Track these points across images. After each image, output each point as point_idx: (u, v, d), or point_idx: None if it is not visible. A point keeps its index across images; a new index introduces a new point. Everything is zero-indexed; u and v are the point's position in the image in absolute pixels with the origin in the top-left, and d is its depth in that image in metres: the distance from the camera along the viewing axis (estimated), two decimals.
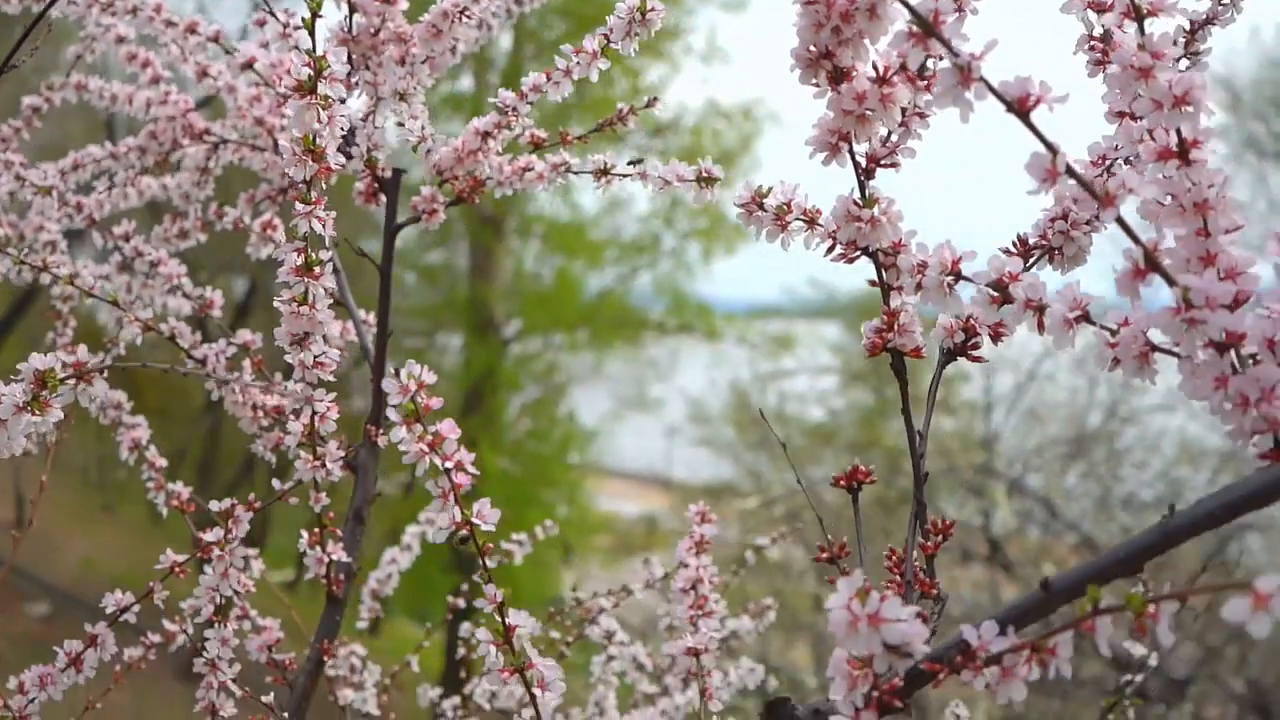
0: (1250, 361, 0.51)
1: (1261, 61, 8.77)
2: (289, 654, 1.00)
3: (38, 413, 0.66)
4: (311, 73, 0.67)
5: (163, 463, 1.09)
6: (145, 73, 1.18)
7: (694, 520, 0.99)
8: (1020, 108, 0.50)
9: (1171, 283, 0.50)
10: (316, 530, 0.95)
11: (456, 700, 1.40)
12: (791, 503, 7.71)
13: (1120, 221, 0.51)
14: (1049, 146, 0.50)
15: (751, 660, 1.30)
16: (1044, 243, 0.68)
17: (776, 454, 8.11)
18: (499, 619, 0.64)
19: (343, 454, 0.89)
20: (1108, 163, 0.69)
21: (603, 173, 0.94)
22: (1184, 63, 0.72)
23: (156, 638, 1.10)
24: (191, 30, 1.08)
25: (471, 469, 0.62)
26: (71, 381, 0.65)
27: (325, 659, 0.98)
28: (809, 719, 0.56)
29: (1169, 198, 0.53)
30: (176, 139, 1.17)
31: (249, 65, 1.04)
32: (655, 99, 0.99)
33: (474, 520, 0.62)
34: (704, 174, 0.83)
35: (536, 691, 0.63)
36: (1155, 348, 0.54)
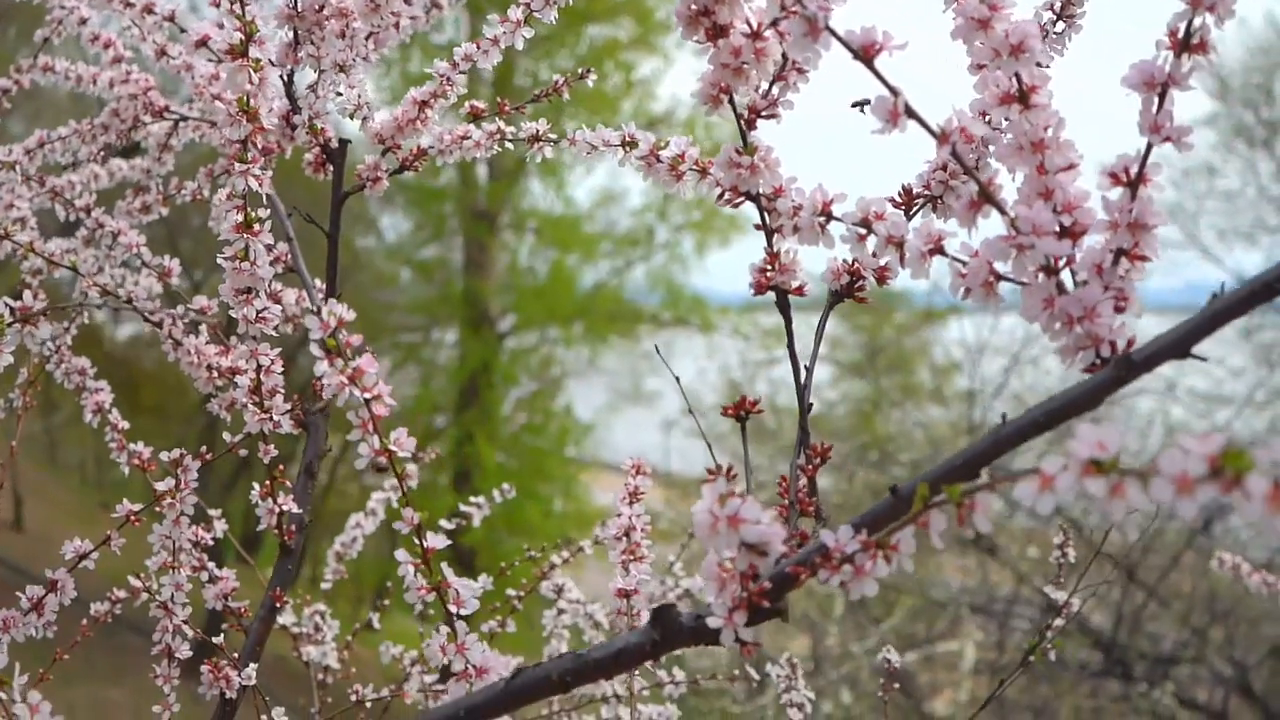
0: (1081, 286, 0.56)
1: (1250, 50, 8.80)
2: (244, 602, 1.05)
3: None
4: (243, 36, 0.72)
5: (125, 425, 1.13)
6: (108, 53, 1.23)
7: (630, 473, 1.04)
8: (866, 55, 0.55)
9: (1004, 213, 0.55)
10: (268, 483, 1.00)
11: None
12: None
13: (956, 157, 0.56)
14: (891, 90, 0.55)
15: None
16: (926, 192, 0.73)
17: (770, 445, 8.16)
18: (417, 541, 0.69)
19: (289, 408, 0.94)
20: (987, 116, 0.74)
21: (535, 139, 0.99)
22: (1060, 24, 0.76)
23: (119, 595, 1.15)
24: (148, 10, 1.12)
25: (390, 400, 0.67)
26: (17, 325, 0.70)
27: (278, 605, 1.03)
28: (691, 623, 0.61)
29: (1009, 138, 0.58)
30: (138, 116, 1.22)
31: (203, 43, 1.08)
32: (589, 70, 1.04)
33: (392, 447, 0.67)
34: (628, 139, 0.88)
35: (452, 608, 0.69)
36: (1000, 276, 0.59)
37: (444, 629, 0.69)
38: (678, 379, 0.95)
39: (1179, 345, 0.51)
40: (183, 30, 1.13)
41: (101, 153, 1.22)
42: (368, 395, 0.67)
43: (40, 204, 1.22)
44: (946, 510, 0.51)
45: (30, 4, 1.36)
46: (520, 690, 0.63)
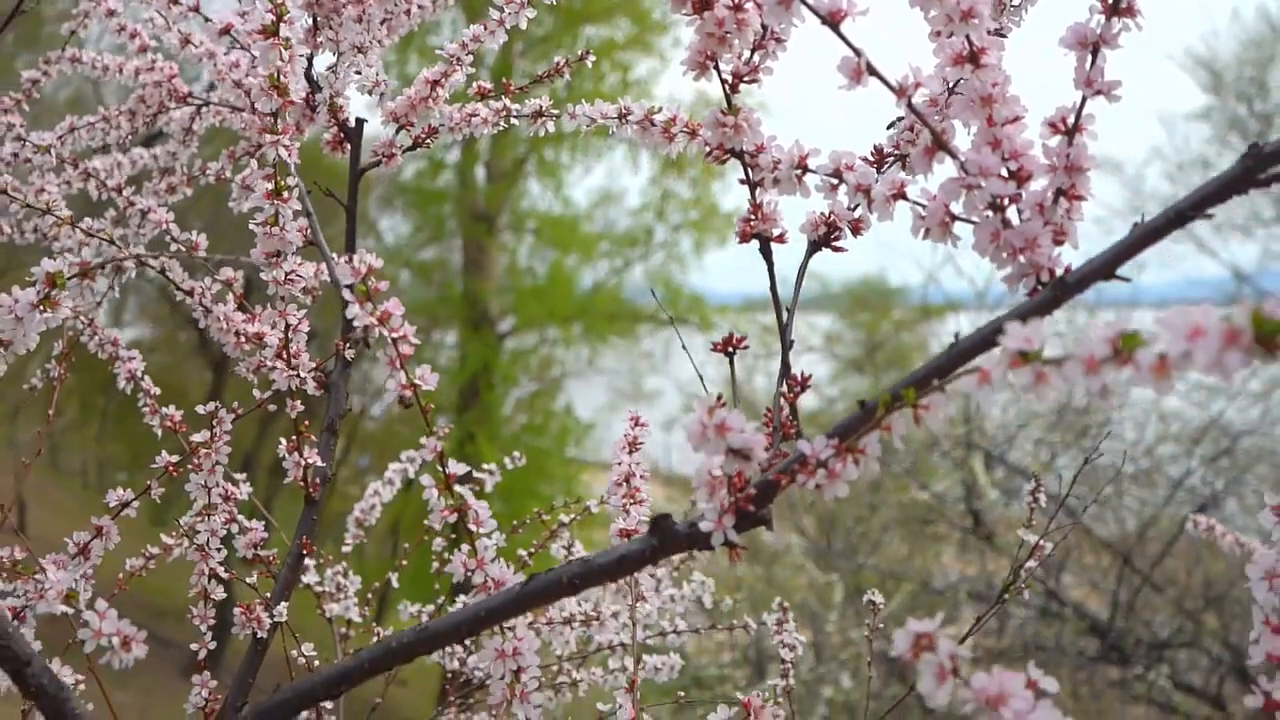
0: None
1: (1243, 43, 8.87)
2: (272, 550, 1.13)
3: (48, 309, 0.79)
4: (274, 17, 0.79)
5: (156, 391, 1.21)
6: (134, 43, 1.31)
7: (629, 424, 1.12)
8: (833, 20, 0.63)
9: (955, 157, 0.63)
10: (294, 438, 1.07)
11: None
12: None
13: (912, 110, 0.63)
14: (855, 51, 0.63)
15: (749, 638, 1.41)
16: (896, 151, 0.80)
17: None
18: (440, 468, 0.77)
19: (314, 365, 1.02)
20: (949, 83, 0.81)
21: (538, 114, 1.07)
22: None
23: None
24: (174, 1, 1.20)
25: (414, 339, 0.74)
26: (77, 279, 0.78)
27: (305, 553, 1.10)
28: (685, 530, 0.69)
29: (962, 95, 0.66)
30: (163, 102, 1.29)
31: (226, 31, 1.16)
32: (588, 53, 1.12)
33: (417, 381, 0.75)
34: (623, 111, 0.95)
35: (472, 527, 0.76)
36: (954, 216, 0.67)
37: (465, 547, 0.76)
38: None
39: (1106, 268, 0.59)
40: (207, 19, 1.21)
41: (128, 138, 1.29)
42: (394, 335, 0.75)
43: (74, 185, 1.30)
44: (904, 414, 0.58)
45: (27, 12, 1.44)
46: (534, 592, 0.70)
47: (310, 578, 1.40)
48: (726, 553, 0.68)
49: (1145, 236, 0.58)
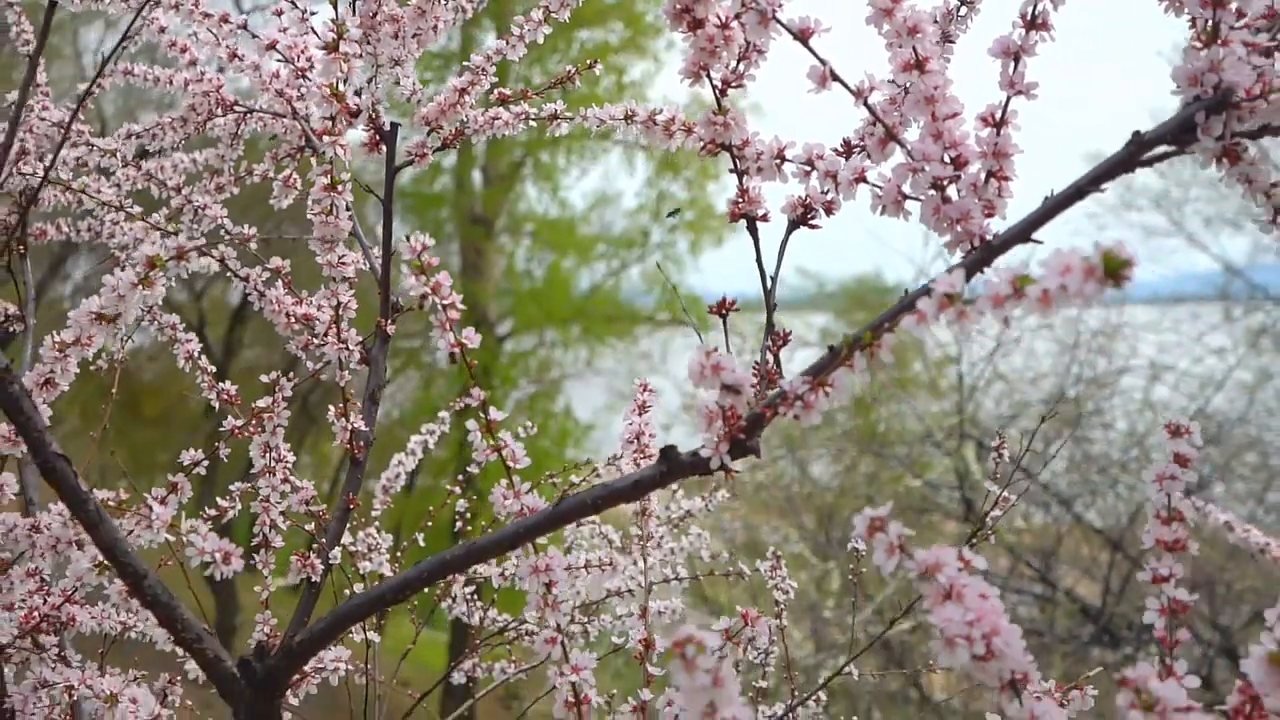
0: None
1: None
2: (323, 506, 1.27)
3: (146, 288, 0.93)
4: (335, 35, 0.94)
5: (213, 368, 1.36)
6: (184, 56, 1.45)
7: (638, 391, 1.26)
8: (803, 36, 0.78)
9: (903, 146, 0.78)
10: (341, 405, 1.22)
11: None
12: (784, 484, 7.97)
13: (868, 108, 0.78)
14: (821, 61, 0.78)
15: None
16: (861, 143, 0.95)
17: (768, 440, 8.38)
18: (483, 416, 0.91)
19: (361, 339, 1.17)
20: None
21: (554, 117, 1.21)
22: (963, 9, 0.99)
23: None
24: (224, 20, 1.35)
25: (460, 305, 0.89)
26: (173, 261, 0.92)
27: (350, 507, 1.25)
28: (689, 458, 0.83)
29: (908, 94, 0.81)
30: (211, 110, 1.44)
31: (272, 46, 1.31)
32: (595, 61, 1.27)
33: (464, 340, 0.90)
34: (629, 112, 1.10)
35: (510, 464, 0.91)
36: (905, 195, 0.81)
37: (503, 481, 0.91)
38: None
39: (1021, 234, 0.74)
40: (254, 35, 1.35)
41: (181, 142, 1.44)
42: (444, 302, 0.89)
43: (132, 187, 1.45)
44: (864, 353, 0.73)
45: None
46: (564, 512, 0.85)
47: (345, 539, 1.54)
48: (724, 479, 0.82)
49: (1052, 208, 0.73)
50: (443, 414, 1.88)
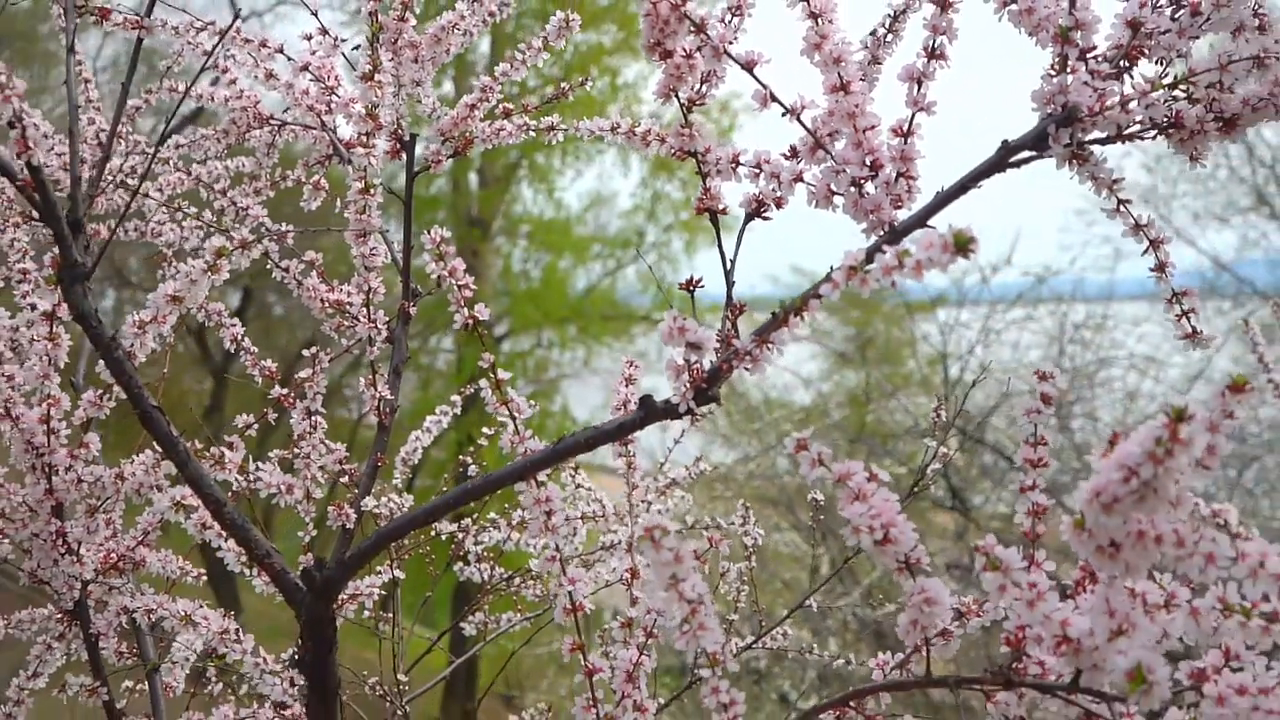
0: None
1: (1215, 39, 9.20)
2: (354, 464, 1.47)
3: (214, 273, 1.13)
4: (371, 67, 1.14)
5: (255, 350, 1.56)
6: (225, 76, 1.65)
7: (625, 367, 1.46)
8: (748, 66, 0.98)
9: (827, 151, 0.98)
10: (370, 375, 1.42)
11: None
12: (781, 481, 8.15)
13: (800, 123, 0.98)
14: (763, 85, 0.98)
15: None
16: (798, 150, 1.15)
17: (767, 438, 8.61)
18: (493, 375, 1.11)
19: (388, 319, 1.37)
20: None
21: (551, 129, 1.42)
22: (889, 35, 1.19)
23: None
24: (263, 45, 1.55)
25: (472, 286, 1.09)
26: (239, 250, 1.12)
27: (379, 465, 1.45)
28: (663, 405, 1.03)
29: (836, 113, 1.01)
30: (250, 123, 1.64)
31: (305, 68, 1.51)
32: (587, 78, 1.47)
33: (476, 314, 1.10)
34: (615, 125, 1.30)
35: (515, 414, 1.11)
36: (833, 191, 1.01)
37: (510, 428, 1.11)
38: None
39: (918, 222, 0.94)
40: (289, 58, 1.55)
41: (225, 151, 1.64)
42: (460, 283, 1.09)
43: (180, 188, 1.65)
44: (801, 314, 0.93)
45: (24, 30, 1.79)
46: (563, 450, 1.05)
47: (367, 503, 1.74)
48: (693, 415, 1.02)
49: (939, 202, 0.93)
50: (455, 397, 2.08)
